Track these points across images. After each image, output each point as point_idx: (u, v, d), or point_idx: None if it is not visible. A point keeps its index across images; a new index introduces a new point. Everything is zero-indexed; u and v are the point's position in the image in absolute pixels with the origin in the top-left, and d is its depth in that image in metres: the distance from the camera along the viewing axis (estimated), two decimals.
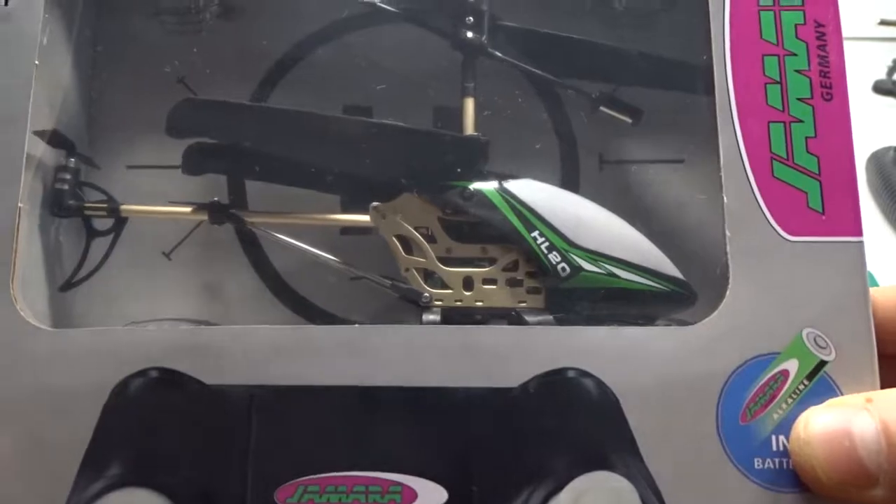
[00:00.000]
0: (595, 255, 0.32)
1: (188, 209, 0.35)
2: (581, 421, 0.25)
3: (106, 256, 0.35)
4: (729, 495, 0.25)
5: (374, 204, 0.34)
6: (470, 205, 0.33)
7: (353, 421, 0.26)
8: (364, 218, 0.35)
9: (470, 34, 0.37)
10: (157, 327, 0.33)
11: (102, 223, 0.35)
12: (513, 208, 0.33)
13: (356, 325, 0.27)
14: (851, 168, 0.27)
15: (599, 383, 0.25)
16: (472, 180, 0.34)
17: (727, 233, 0.27)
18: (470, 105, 0.37)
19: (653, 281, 0.32)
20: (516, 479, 0.25)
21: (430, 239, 0.34)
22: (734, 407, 0.25)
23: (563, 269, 0.32)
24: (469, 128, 0.36)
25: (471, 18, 0.37)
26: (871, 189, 0.75)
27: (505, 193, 0.33)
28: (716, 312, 0.26)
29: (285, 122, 0.35)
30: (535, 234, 0.32)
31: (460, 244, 0.34)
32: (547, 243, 0.32)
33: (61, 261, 0.34)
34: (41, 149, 0.32)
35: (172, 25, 0.39)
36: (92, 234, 0.35)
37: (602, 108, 0.38)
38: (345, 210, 0.37)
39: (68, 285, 0.34)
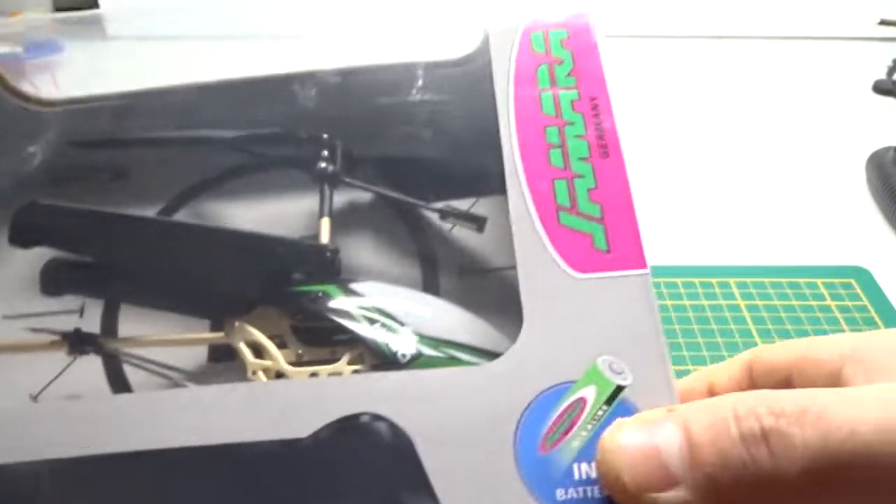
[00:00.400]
0: (436, 341, 0.33)
1: (48, 341, 0.35)
2: (373, 465, 0.24)
3: None
4: None
5: (228, 319, 0.35)
6: (317, 307, 0.34)
7: (143, 488, 0.24)
8: (218, 334, 0.35)
9: (324, 165, 0.41)
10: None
11: None
12: (356, 305, 0.34)
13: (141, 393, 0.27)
14: (631, 211, 0.29)
15: (392, 426, 0.25)
16: (320, 285, 0.35)
17: (519, 279, 0.28)
18: (325, 223, 0.39)
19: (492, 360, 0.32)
20: None
21: (283, 346, 0.35)
22: (532, 439, 0.25)
23: (403, 356, 0.32)
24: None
25: (325, 152, 0.41)
26: (871, 189, 0.72)
27: (350, 293, 0.34)
28: (510, 350, 0.26)
29: (136, 229, 0.37)
30: (377, 326, 0.33)
31: (310, 348, 0.35)
32: (387, 332, 0.33)
33: None
34: None
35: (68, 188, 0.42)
36: None
37: (450, 220, 0.41)
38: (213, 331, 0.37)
39: None
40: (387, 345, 0.32)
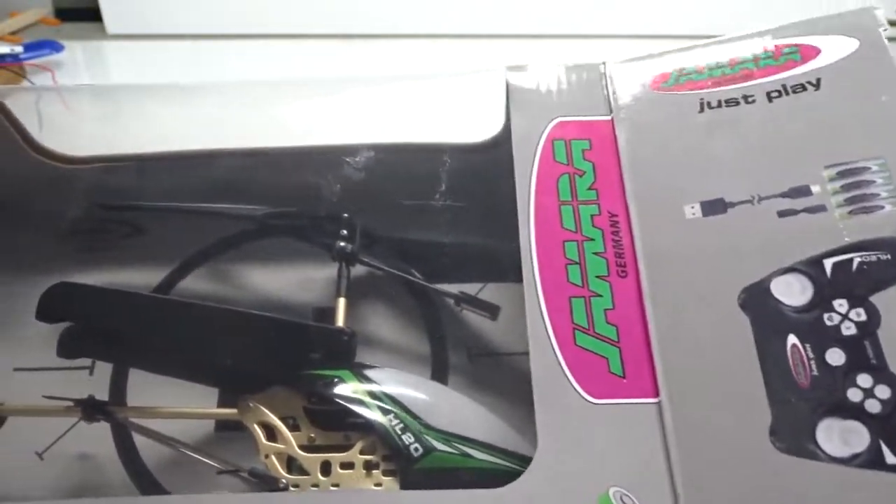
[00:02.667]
0: (448, 436, 0.33)
1: (63, 406, 0.36)
2: None
3: None
4: None
5: (243, 397, 0.35)
6: (331, 392, 0.34)
7: None
8: (231, 410, 0.36)
9: (343, 244, 0.41)
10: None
11: None
12: (371, 394, 0.34)
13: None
14: (647, 335, 0.29)
15: None
16: (335, 370, 0.35)
17: (535, 400, 0.28)
18: (342, 303, 0.40)
19: (502, 459, 0.33)
20: None
21: (295, 428, 0.35)
22: None
23: (416, 449, 0.33)
24: (340, 324, 0.39)
25: (344, 232, 0.42)
26: None
27: (364, 380, 0.35)
28: (525, 474, 0.27)
29: (158, 311, 0.37)
30: (391, 416, 0.33)
31: (323, 432, 0.35)
32: (401, 425, 0.33)
33: None
34: None
35: (85, 243, 0.43)
36: None
37: (464, 307, 0.41)
38: (221, 405, 0.38)
39: None
40: (400, 437, 0.33)
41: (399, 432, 0.33)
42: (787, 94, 0.33)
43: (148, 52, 0.67)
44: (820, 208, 0.30)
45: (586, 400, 0.28)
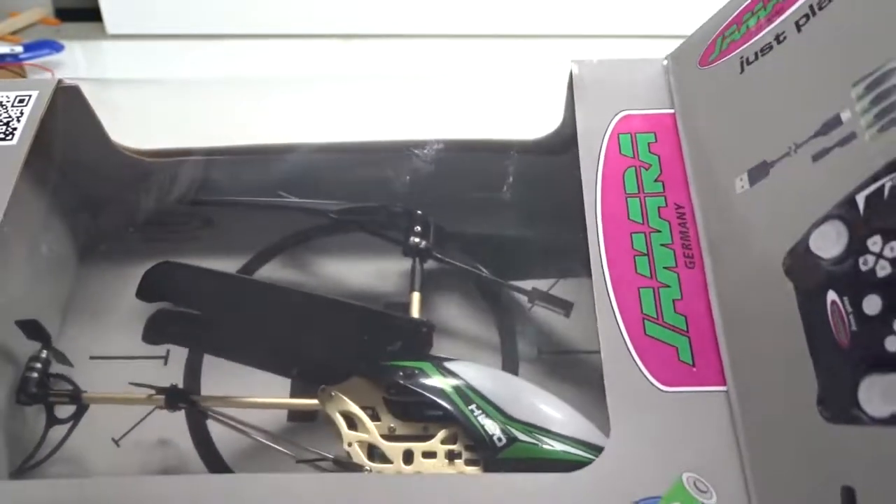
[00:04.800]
0: (530, 427, 0.34)
1: (146, 395, 0.38)
2: None
3: (62, 443, 0.37)
4: None
5: (323, 386, 0.37)
6: (412, 383, 0.36)
7: None
8: (312, 401, 0.37)
9: (417, 240, 0.43)
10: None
11: (63, 410, 0.38)
12: (452, 385, 0.35)
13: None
14: (713, 324, 0.30)
15: None
16: (415, 361, 0.36)
17: (606, 389, 0.29)
18: (416, 297, 0.41)
19: (581, 450, 0.33)
20: None
21: (375, 417, 0.37)
22: None
23: (500, 439, 0.33)
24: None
25: (418, 228, 0.43)
26: None
27: (445, 372, 0.36)
28: (598, 460, 0.28)
29: (252, 291, 0.39)
30: (473, 406, 0.34)
31: (403, 422, 0.36)
32: (483, 415, 0.34)
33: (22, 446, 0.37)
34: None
35: (159, 234, 0.45)
36: (52, 421, 0.38)
37: (537, 303, 0.42)
38: (294, 395, 0.40)
39: (20, 471, 0.37)
40: (483, 427, 0.34)
41: (482, 423, 0.34)
42: (815, 14, 0.30)
43: (148, 52, 0.67)
44: (851, 137, 0.26)
45: (657, 388, 0.29)
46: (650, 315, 0.31)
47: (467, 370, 0.36)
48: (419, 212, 0.43)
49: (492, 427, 0.34)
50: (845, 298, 0.25)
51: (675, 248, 0.32)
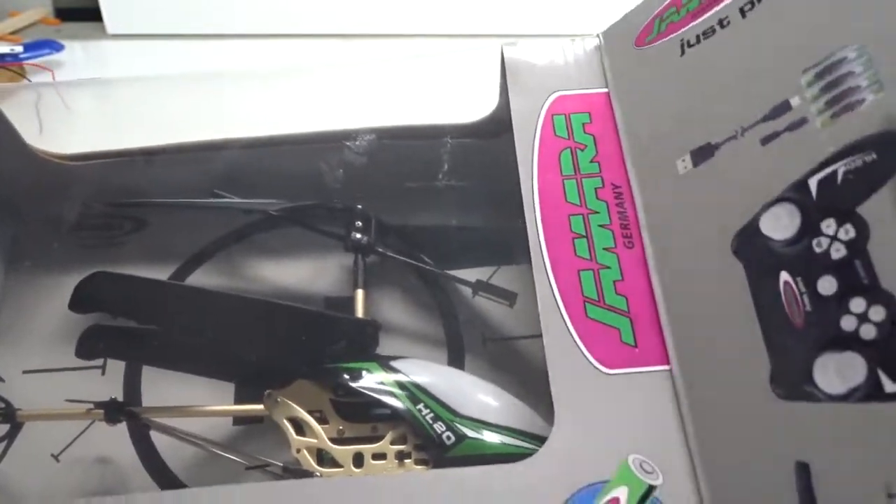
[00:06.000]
0: (478, 423, 0.34)
1: (84, 409, 0.37)
2: None
3: None
4: None
5: (268, 391, 0.36)
6: (359, 384, 0.35)
7: None
8: (258, 406, 0.37)
9: (359, 236, 0.42)
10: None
11: None
12: (399, 385, 0.35)
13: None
14: (654, 303, 0.30)
15: None
16: (360, 362, 0.36)
17: (549, 375, 0.29)
18: (360, 295, 0.40)
19: (529, 441, 0.33)
20: None
21: (323, 420, 0.36)
22: None
23: (448, 437, 0.33)
24: (359, 315, 0.40)
25: (359, 223, 0.42)
26: None
27: (391, 371, 0.35)
28: (544, 448, 0.28)
29: (189, 298, 0.38)
30: (420, 406, 0.34)
31: (351, 424, 0.36)
32: (432, 414, 0.34)
33: None
34: None
35: (89, 240, 0.44)
36: None
37: (480, 294, 0.42)
38: (238, 400, 0.39)
39: None
40: (431, 426, 0.33)
41: (430, 422, 0.33)
42: (759, 0, 0.30)
43: (148, 52, 0.67)
44: (801, 122, 0.27)
45: (600, 371, 0.29)
46: (591, 297, 0.30)
47: (413, 368, 0.36)
48: (359, 206, 0.42)
49: (440, 426, 0.33)
50: (799, 279, 0.26)
51: (614, 228, 0.32)
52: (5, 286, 0.43)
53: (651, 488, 0.26)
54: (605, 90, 0.36)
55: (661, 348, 0.29)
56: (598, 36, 0.37)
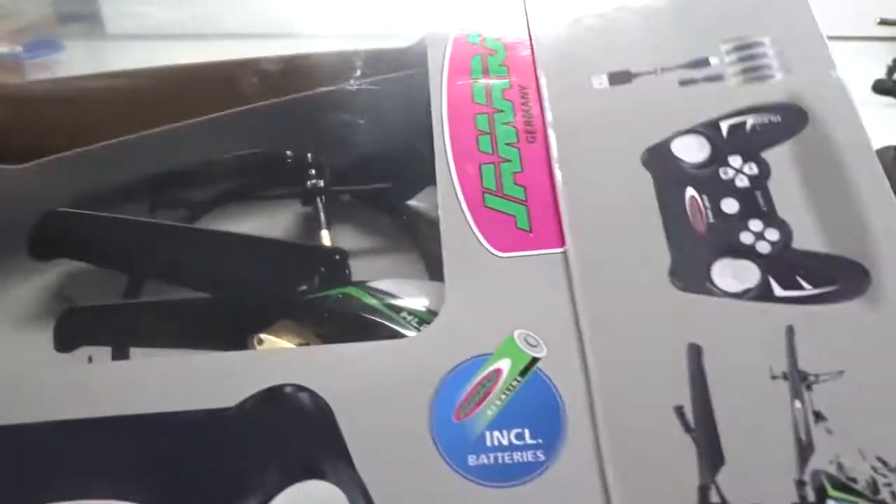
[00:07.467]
0: None
1: None
2: (295, 434, 0.25)
3: None
4: (441, 493, 0.24)
5: (251, 335, 0.33)
6: (339, 307, 0.34)
7: (70, 456, 0.26)
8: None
9: (313, 182, 0.42)
10: None
11: None
12: (385, 304, 0.33)
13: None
14: (553, 193, 0.30)
15: (314, 396, 0.26)
16: (339, 288, 0.35)
17: (443, 258, 0.29)
18: (325, 235, 0.40)
19: None
20: (226, 495, 0.24)
21: None
22: (447, 407, 0.26)
23: None
24: None
25: (313, 171, 0.42)
26: None
27: (371, 292, 0.34)
28: (432, 324, 0.27)
29: (156, 235, 0.36)
30: (404, 314, 0.32)
31: None
32: (416, 320, 0.33)
33: None
34: None
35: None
36: None
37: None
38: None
39: None
40: (417, 331, 0.32)
41: (416, 327, 0.31)
42: None
43: (147, 52, 0.66)
44: (718, 77, 0.32)
45: (493, 254, 0.29)
46: (490, 188, 0.30)
47: (392, 287, 0.34)
48: (309, 154, 0.42)
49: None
50: (704, 196, 0.29)
51: (518, 125, 0.32)
52: None
53: (534, 360, 0.26)
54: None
55: (557, 233, 0.29)
56: None
